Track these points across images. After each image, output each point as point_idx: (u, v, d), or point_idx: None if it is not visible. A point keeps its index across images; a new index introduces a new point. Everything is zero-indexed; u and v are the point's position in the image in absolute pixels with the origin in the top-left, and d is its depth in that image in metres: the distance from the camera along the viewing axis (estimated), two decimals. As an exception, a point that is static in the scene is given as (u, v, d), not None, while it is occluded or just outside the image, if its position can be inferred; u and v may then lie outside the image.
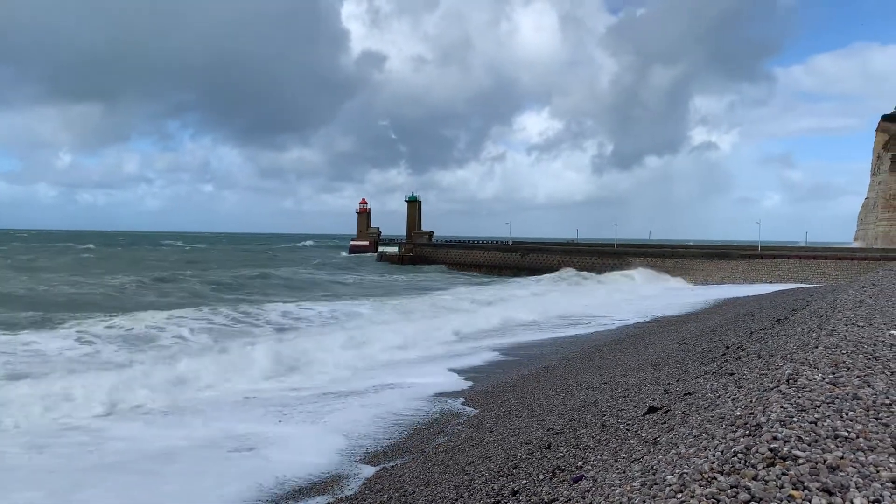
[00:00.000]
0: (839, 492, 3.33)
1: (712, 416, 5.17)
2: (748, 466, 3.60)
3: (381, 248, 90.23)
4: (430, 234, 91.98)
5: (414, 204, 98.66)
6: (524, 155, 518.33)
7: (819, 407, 4.48)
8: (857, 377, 5.30)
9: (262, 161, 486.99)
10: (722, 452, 3.87)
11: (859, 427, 4.09)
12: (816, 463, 3.56)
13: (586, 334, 22.66)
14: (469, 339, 21.08)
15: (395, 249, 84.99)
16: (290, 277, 50.74)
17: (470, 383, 14.19)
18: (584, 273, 56.76)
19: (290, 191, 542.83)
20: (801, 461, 3.59)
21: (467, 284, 49.86)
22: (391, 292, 40.39)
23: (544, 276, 55.34)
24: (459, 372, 15.57)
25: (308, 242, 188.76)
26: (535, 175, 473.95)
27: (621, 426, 7.33)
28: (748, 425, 4.18)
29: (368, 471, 8.79)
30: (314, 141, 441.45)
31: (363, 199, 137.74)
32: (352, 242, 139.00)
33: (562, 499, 5.08)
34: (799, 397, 4.72)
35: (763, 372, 6.48)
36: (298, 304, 28.87)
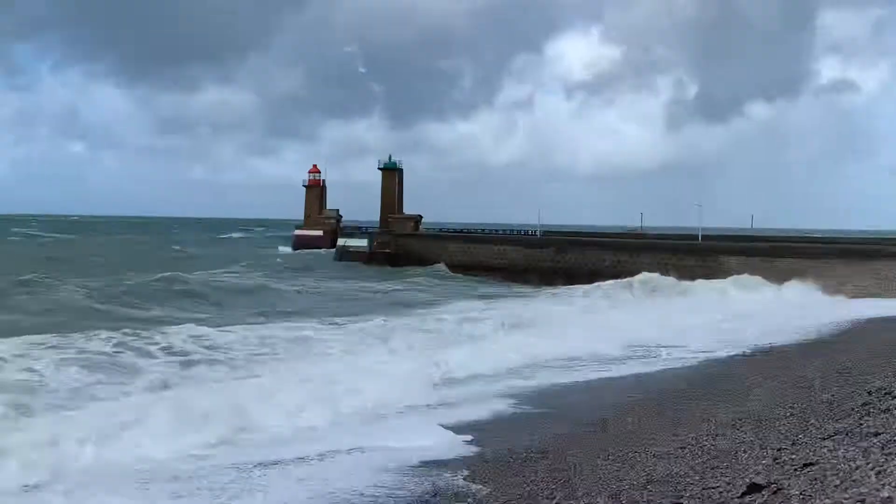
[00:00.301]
0: None
1: (847, 499, 5.18)
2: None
3: (341, 242, 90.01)
4: (418, 219, 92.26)
5: (392, 174, 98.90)
6: (562, 99, 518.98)
7: None
8: None
9: (161, 107, 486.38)
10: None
11: None
12: None
13: (653, 373, 22.91)
14: (474, 381, 21.21)
15: (362, 243, 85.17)
16: (206, 284, 50.98)
17: (474, 447, 14.14)
18: (651, 277, 57.04)
19: (203, 152, 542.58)
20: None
21: (474, 297, 50.12)
22: (358, 309, 40.57)
23: (588, 284, 55.66)
24: (457, 429, 15.66)
25: (234, 234, 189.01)
26: (577, 130, 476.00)
27: (709, 515, 7.36)
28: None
29: None
30: (240, 76, 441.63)
31: (314, 167, 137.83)
32: (297, 232, 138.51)
33: None
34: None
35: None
36: (218, 328, 28.93)
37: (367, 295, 51.88)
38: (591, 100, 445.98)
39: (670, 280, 56.14)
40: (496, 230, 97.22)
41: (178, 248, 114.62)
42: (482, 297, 50.95)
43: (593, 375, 22.56)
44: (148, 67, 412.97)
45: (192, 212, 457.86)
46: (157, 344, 24.94)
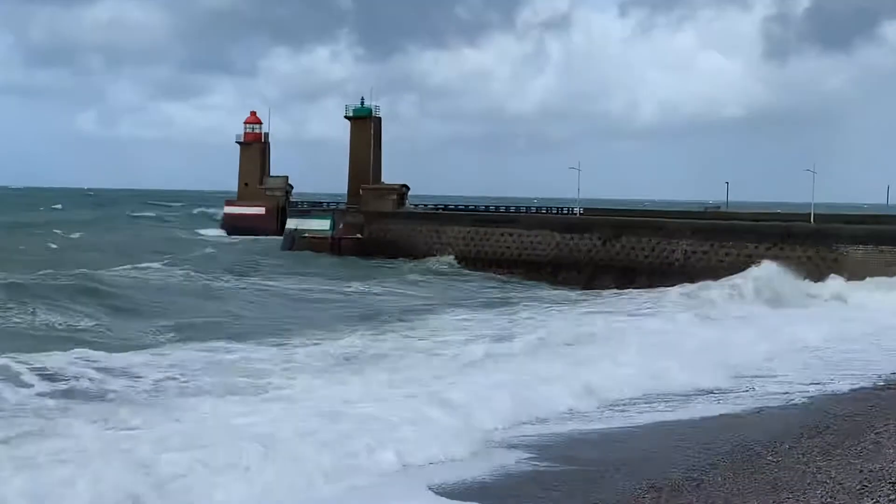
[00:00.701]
0: None
1: None
2: None
3: (292, 224, 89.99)
4: (402, 191, 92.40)
5: (365, 125, 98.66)
6: (612, 17, 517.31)
7: None
8: None
9: (32, 27, 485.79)
10: None
11: None
12: None
13: (742, 413, 23.17)
14: (492, 434, 21.36)
15: (323, 226, 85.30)
16: (115, 285, 51.51)
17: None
18: (736, 275, 56.96)
19: (94, 92, 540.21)
20: None
21: (488, 306, 50.14)
22: (317, 321, 40.71)
23: (652, 289, 55.80)
24: (454, 495, 15.82)
25: (147, 213, 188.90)
26: (634, 63, 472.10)
27: None
28: None
29: None
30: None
31: (252, 115, 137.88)
32: (228, 210, 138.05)
33: None
34: None
35: None
36: (110, 355, 29.12)
37: (332, 299, 51.90)
38: (655, 18, 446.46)
39: (795, 280, 56.06)
40: (518, 208, 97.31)
41: (58, 231, 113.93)
42: (497, 303, 51.03)
43: (658, 416, 22.90)
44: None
45: (76, 179, 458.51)
46: (30, 370, 25.21)
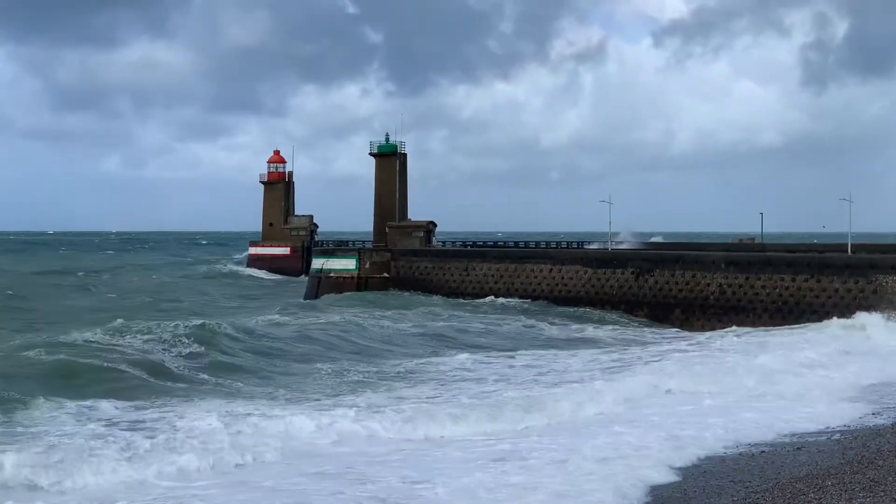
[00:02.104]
0: None
1: None
2: None
3: (317, 264, 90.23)
4: (429, 227, 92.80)
5: (391, 162, 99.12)
6: (646, 49, 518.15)
7: None
8: None
9: (61, 71, 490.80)
10: None
11: None
12: None
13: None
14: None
15: (348, 265, 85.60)
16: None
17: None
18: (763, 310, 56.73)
19: (123, 136, 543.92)
20: None
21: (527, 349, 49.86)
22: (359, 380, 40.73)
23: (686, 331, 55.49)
24: None
25: (196, 260, 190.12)
26: (668, 92, 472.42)
27: None
28: None
29: None
30: (175, 25, 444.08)
31: (276, 154, 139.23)
32: (252, 251, 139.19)
33: None
34: None
35: None
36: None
37: (364, 342, 51.21)
38: (690, 48, 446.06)
39: (799, 310, 55.82)
40: (548, 243, 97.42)
41: (82, 274, 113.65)
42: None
43: None
44: (42, 15, 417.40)
45: (100, 223, 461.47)
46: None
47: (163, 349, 41.57)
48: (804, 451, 23.42)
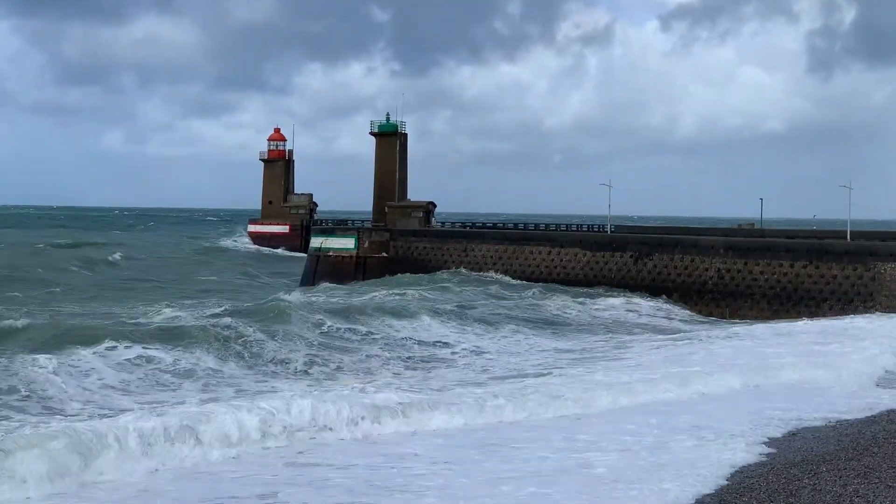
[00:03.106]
0: None
1: None
2: None
3: (316, 242, 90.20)
4: (429, 207, 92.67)
5: (391, 141, 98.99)
6: (652, 32, 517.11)
7: None
8: None
9: (66, 46, 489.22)
10: None
11: None
12: None
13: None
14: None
15: (347, 244, 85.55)
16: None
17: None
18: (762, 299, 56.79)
19: (125, 111, 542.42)
20: None
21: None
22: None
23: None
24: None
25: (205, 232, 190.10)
26: (674, 76, 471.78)
27: None
28: None
29: None
30: (184, 2, 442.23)
31: (276, 132, 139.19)
32: (251, 228, 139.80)
33: None
34: None
35: None
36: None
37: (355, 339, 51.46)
38: (697, 32, 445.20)
39: (795, 302, 55.74)
40: (548, 226, 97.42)
41: (117, 256, 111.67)
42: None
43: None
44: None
45: (101, 198, 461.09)
46: None
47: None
48: (798, 437, 23.48)
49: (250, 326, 40.60)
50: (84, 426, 20.05)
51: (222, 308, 49.78)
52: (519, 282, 70.99)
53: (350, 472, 19.48)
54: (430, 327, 47.65)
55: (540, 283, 69.74)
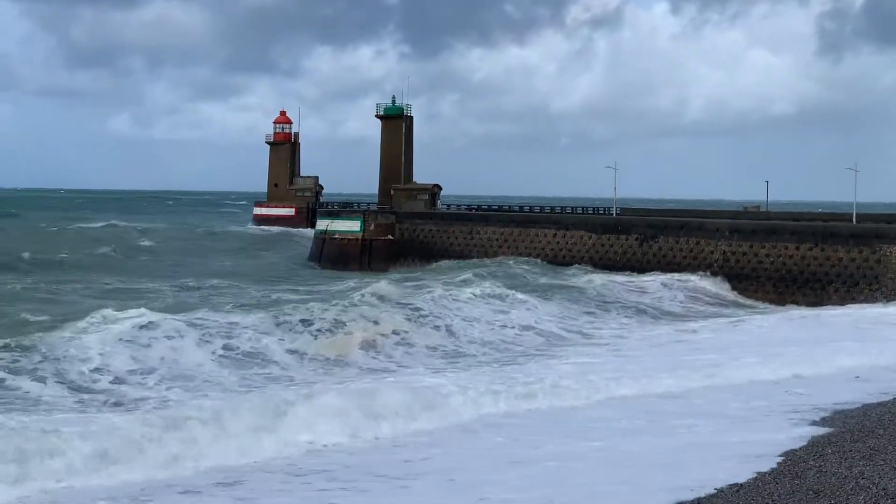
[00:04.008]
0: None
1: None
2: None
3: (321, 224, 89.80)
4: (434, 190, 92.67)
5: (397, 124, 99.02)
6: (662, 15, 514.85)
7: None
8: None
9: (76, 30, 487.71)
10: None
11: None
12: None
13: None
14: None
15: (353, 226, 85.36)
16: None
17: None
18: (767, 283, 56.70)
19: (133, 95, 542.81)
20: None
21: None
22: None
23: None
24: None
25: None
26: (683, 59, 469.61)
27: None
28: None
29: None
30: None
31: (282, 115, 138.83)
32: (257, 210, 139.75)
33: None
34: None
35: None
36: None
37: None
38: (707, 14, 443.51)
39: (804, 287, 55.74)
40: (553, 208, 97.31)
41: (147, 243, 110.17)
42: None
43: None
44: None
45: (104, 181, 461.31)
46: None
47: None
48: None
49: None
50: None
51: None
52: (546, 263, 70.47)
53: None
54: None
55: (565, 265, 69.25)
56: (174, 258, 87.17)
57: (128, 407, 24.91)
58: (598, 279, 59.96)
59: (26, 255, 75.35)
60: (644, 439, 21.81)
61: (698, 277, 62.67)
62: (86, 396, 26.22)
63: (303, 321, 37.88)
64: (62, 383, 27.17)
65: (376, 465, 19.35)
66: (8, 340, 30.33)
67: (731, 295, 61.11)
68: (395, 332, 38.33)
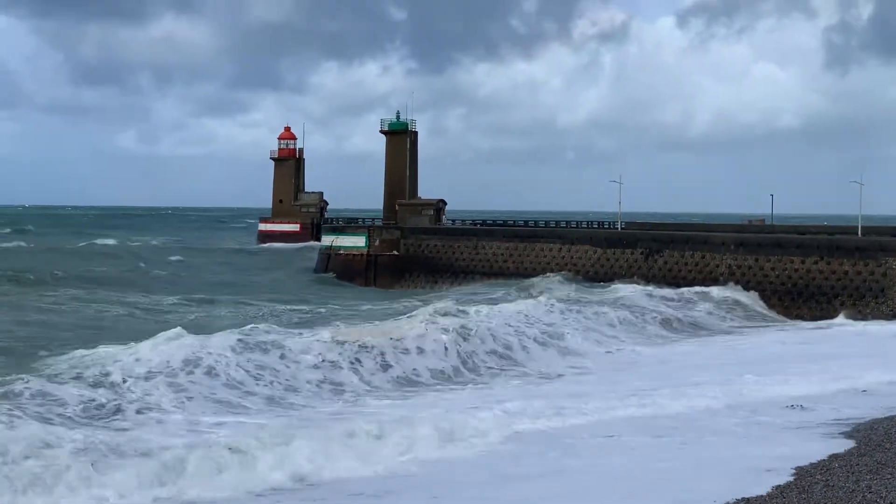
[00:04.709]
0: None
1: None
2: None
3: (326, 240, 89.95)
4: (439, 205, 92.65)
5: (401, 140, 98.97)
6: (669, 29, 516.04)
7: None
8: None
9: (84, 47, 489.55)
10: None
11: None
12: None
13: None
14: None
15: (358, 242, 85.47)
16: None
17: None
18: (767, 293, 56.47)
19: (140, 111, 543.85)
20: None
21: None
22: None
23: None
24: None
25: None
26: (690, 73, 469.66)
27: None
28: None
29: None
30: (203, 1, 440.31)
31: (286, 130, 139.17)
32: (262, 227, 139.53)
33: None
34: None
35: None
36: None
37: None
38: (714, 28, 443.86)
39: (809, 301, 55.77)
40: (558, 223, 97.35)
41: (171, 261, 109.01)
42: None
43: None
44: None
45: (111, 198, 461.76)
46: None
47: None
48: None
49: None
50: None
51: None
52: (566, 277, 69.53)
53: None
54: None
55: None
56: (217, 275, 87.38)
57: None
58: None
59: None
60: (647, 454, 21.82)
61: (730, 291, 62.02)
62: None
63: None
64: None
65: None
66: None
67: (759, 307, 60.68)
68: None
